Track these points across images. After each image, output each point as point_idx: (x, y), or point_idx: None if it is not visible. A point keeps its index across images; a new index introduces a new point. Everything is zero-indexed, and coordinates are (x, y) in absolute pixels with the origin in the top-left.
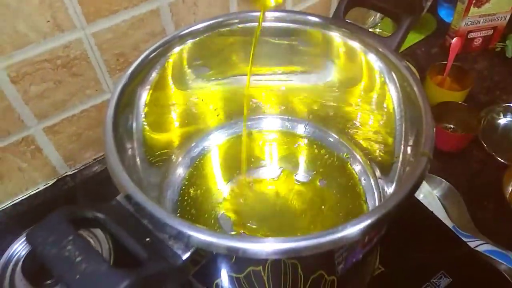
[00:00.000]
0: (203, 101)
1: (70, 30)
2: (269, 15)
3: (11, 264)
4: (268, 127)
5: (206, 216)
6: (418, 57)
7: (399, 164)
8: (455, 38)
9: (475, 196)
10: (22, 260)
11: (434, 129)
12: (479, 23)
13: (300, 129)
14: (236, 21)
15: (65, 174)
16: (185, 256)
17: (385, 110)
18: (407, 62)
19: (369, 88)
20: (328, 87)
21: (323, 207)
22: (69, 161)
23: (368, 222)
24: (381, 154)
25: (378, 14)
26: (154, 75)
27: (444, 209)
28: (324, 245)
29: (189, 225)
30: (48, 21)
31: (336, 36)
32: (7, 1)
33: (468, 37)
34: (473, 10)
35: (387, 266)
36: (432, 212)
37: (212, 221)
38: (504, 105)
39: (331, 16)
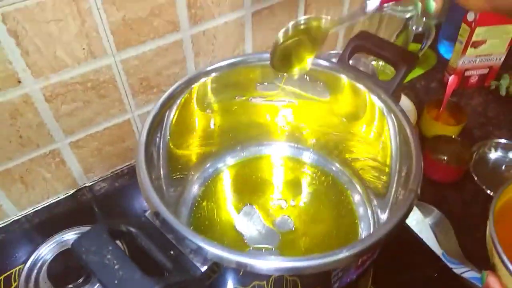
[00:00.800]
0: (219, 126)
1: (102, 57)
2: None
3: (37, 267)
4: (276, 152)
5: (215, 233)
6: (417, 91)
7: (392, 194)
8: (452, 76)
9: (464, 225)
10: (47, 264)
11: (422, 168)
12: (475, 62)
13: (306, 156)
14: (256, 59)
15: (83, 185)
16: (203, 268)
17: (383, 143)
18: (406, 96)
19: (370, 122)
20: (333, 118)
21: (321, 229)
22: (88, 173)
23: (361, 248)
24: (378, 184)
25: None
26: (180, 100)
27: (434, 236)
28: (322, 266)
29: (208, 241)
30: (84, 49)
31: (343, 77)
32: (50, 30)
33: (465, 74)
34: (470, 50)
35: (379, 286)
36: (422, 239)
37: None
38: (496, 140)
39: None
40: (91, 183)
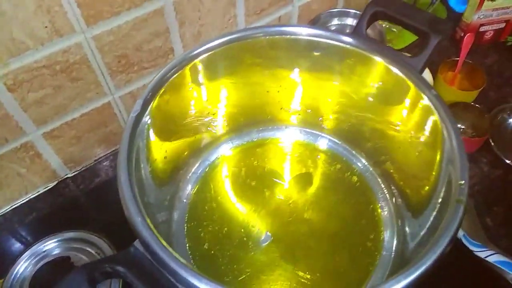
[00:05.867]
0: (213, 113)
1: (69, 34)
2: (306, 31)
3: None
4: (287, 138)
5: (218, 239)
6: None
7: (431, 204)
8: (468, 35)
9: (484, 200)
10: (29, 281)
11: (468, 175)
12: (491, 16)
13: (322, 143)
14: (261, 35)
15: (65, 177)
16: None
17: (428, 136)
18: None
19: (408, 108)
20: (360, 100)
21: (340, 229)
22: (69, 163)
23: (405, 282)
24: (414, 188)
25: None
26: (169, 81)
27: None
28: None
29: (213, 284)
30: (46, 27)
31: (367, 53)
32: (3, 9)
33: (480, 30)
34: (487, 3)
35: None
36: None
37: (224, 240)
38: None
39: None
40: (73, 174)
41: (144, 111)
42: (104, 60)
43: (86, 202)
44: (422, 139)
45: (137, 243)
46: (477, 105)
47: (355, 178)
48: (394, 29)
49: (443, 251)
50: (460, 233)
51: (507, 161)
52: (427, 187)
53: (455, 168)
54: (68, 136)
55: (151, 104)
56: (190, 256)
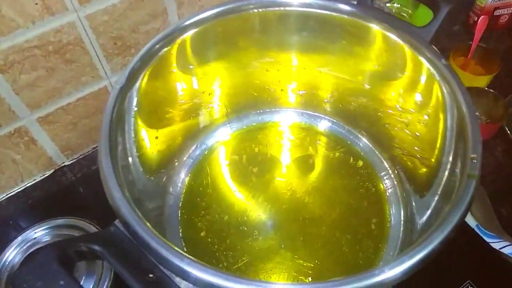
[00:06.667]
0: (209, 93)
1: (61, 13)
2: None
3: (6, 272)
4: (286, 121)
5: (214, 226)
6: (438, 36)
7: (443, 180)
8: (481, 17)
9: (500, 190)
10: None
11: (481, 147)
12: None
13: (322, 125)
14: (252, 6)
15: (62, 165)
16: None
17: (432, 112)
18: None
19: (412, 83)
20: (360, 76)
21: (342, 213)
22: (66, 151)
23: (409, 263)
24: (419, 166)
25: None
26: (149, 65)
27: None
28: None
29: (195, 264)
30: (37, 4)
31: (372, 25)
32: None
33: (494, 14)
34: None
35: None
36: None
37: (220, 227)
38: None
39: None
40: (70, 162)
41: (130, 85)
42: (99, 41)
43: (83, 191)
44: (428, 113)
45: (117, 222)
46: (491, 90)
47: (357, 160)
48: (404, 14)
49: (453, 228)
50: (474, 223)
51: None
52: (434, 164)
53: (466, 142)
54: (64, 122)
55: (139, 80)
56: (183, 244)
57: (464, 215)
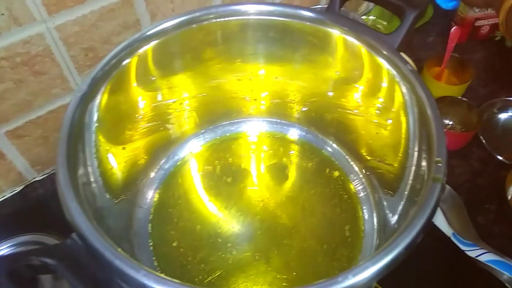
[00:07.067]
0: (179, 105)
1: (29, 23)
2: (255, 8)
3: None
4: (260, 130)
5: (186, 238)
6: (414, 47)
7: (408, 182)
8: (454, 28)
9: (475, 198)
10: None
11: (446, 151)
12: (487, 9)
13: (292, 133)
14: (212, 16)
15: (33, 180)
16: None
17: (395, 115)
18: (405, 54)
19: (374, 88)
20: (324, 84)
21: (315, 222)
22: (37, 165)
23: (374, 269)
24: (386, 168)
25: None
26: (111, 78)
27: (443, 214)
28: None
29: (153, 276)
30: (3, 14)
31: (333, 32)
32: None
33: (475, 25)
34: None
35: (385, 285)
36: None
37: (193, 240)
38: (504, 99)
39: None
40: (41, 177)
41: (92, 95)
42: (69, 53)
43: (54, 206)
44: (391, 117)
45: (74, 235)
46: (465, 99)
47: (331, 169)
48: (380, 26)
49: (418, 233)
50: (450, 232)
51: (499, 157)
52: (399, 168)
53: (431, 145)
54: (34, 136)
55: (100, 94)
56: (154, 258)
57: (429, 218)
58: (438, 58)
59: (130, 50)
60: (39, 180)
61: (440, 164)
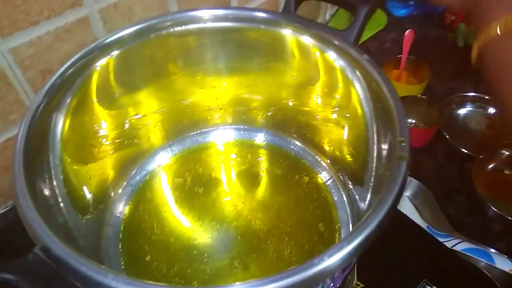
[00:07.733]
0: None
1: None
2: (209, 13)
3: None
4: (227, 138)
5: (160, 253)
6: (371, 54)
7: (373, 171)
8: (408, 30)
9: (445, 191)
10: None
11: (408, 129)
12: None
13: (259, 138)
14: (169, 23)
15: None
16: None
17: (352, 111)
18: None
19: (330, 88)
20: (284, 89)
21: (290, 223)
22: None
23: (348, 248)
24: (351, 160)
25: (329, 12)
26: (72, 95)
27: (415, 208)
28: (299, 284)
29: (122, 278)
30: None
31: (288, 33)
32: None
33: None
34: None
35: (366, 281)
36: (405, 214)
37: (167, 253)
38: (461, 95)
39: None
40: (4, 210)
41: (50, 107)
42: (26, 76)
43: (17, 239)
44: (348, 112)
45: (37, 249)
46: (424, 97)
47: (298, 168)
48: None
49: (389, 209)
50: (424, 225)
51: (463, 150)
52: (363, 159)
53: (393, 127)
54: None
55: (63, 117)
56: (126, 274)
57: (399, 194)
58: (396, 60)
59: (89, 58)
60: (1, 213)
61: (404, 144)
